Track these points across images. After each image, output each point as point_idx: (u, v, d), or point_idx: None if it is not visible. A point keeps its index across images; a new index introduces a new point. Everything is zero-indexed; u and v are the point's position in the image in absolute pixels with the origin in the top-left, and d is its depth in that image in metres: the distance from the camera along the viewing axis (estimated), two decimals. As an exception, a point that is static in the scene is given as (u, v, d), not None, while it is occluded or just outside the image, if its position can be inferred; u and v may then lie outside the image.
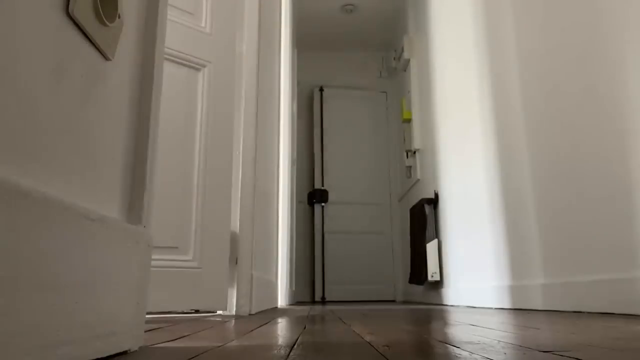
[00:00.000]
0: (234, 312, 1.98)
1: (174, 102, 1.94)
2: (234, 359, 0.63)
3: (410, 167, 5.06)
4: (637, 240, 1.63)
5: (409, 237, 5.08)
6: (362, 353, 0.68)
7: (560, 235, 2.11)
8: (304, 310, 2.56)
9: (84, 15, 0.60)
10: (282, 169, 3.66)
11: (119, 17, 0.69)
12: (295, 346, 0.78)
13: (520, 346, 0.75)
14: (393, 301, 5.31)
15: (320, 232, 5.50)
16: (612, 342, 0.79)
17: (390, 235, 5.68)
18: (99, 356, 0.62)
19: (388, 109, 6.08)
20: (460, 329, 1.10)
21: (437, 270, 3.91)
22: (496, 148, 2.81)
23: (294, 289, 4.71)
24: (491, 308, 2.69)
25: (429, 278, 3.94)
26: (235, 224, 2.09)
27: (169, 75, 1.93)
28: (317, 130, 5.82)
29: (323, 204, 5.59)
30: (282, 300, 3.55)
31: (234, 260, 2.04)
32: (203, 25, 2.11)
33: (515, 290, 2.49)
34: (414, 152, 4.84)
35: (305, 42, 6.01)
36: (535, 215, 2.33)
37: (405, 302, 4.61)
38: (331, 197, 5.62)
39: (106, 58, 0.68)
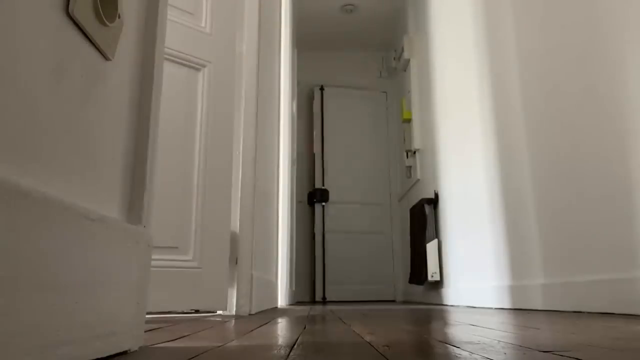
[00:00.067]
0: (234, 312, 1.98)
1: (174, 102, 1.94)
2: (234, 359, 0.63)
3: (410, 167, 5.06)
4: (637, 240, 1.63)
5: (409, 237, 5.08)
6: (362, 353, 0.68)
7: (560, 235, 2.11)
8: (304, 310, 2.56)
9: (84, 15, 0.60)
10: (282, 169, 3.66)
11: (119, 17, 0.69)
12: (295, 346, 0.78)
13: (520, 346, 0.75)
14: (393, 301, 5.31)
15: (320, 231, 5.49)
16: (612, 342, 0.79)
17: (390, 235, 5.68)
18: (99, 356, 0.62)
19: (388, 109, 6.08)
20: (460, 329, 1.10)
21: (437, 270, 3.91)
22: (496, 148, 2.81)
23: (294, 289, 4.71)
24: (491, 308, 2.69)
25: (429, 278, 3.94)
26: (235, 224, 2.09)
27: (169, 75, 1.93)
28: (317, 129, 5.82)
29: (324, 203, 5.58)
30: (282, 300, 3.55)
31: (234, 260, 2.04)
32: (203, 25, 2.11)
33: (515, 290, 2.49)
34: (414, 152, 4.84)
35: (305, 42, 6.01)
36: (535, 215, 2.33)
37: (405, 302, 4.61)
38: (331, 196, 5.62)
39: (106, 58, 0.68)
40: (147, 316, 1.69)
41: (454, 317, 1.70)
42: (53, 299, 0.51)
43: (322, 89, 5.92)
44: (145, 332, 1.02)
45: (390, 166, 5.90)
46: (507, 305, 2.57)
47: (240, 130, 2.17)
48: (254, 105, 2.21)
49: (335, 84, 6.06)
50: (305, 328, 1.17)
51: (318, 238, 5.48)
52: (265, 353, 0.69)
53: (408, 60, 5.01)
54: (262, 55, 2.42)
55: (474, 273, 3.15)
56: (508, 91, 2.64)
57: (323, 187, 5.62)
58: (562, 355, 0.63)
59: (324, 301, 5.26)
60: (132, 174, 0.78)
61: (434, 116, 4.18)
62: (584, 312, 1.85)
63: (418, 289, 4.75)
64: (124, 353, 0.70)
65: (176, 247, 1.85)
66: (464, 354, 0.66)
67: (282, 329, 1.17)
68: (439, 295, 3.93)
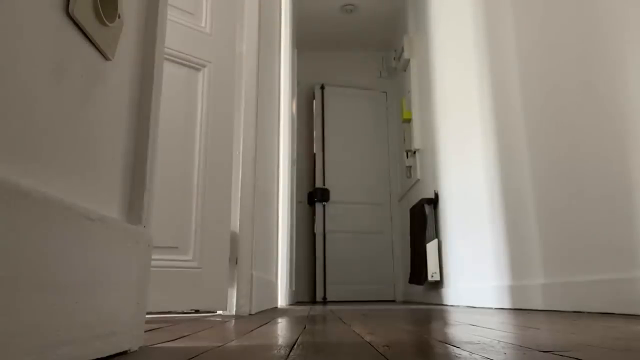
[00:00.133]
0: (234, 312, 1.98)
1: (174, 102, 1.94)
2: (234, 359, 0.63)
3: (410, 167, 5.06)
4: (637, 240, 1.63)
5: (409, 237, 5.08)
6: (362, 353, 0.68)
7: (560, 235, 2.11)
8: (304, 310, 2.56)
9: (84, 15, 0.60)
10: (282, 169, 3.66)
11: (119, 17, 0.69)
12: (295, 346, 0.78)
13: (520, 346, 0.75)
14: (393, 301, 5.31)
15: (321, 231, 5.48)
16: (612, 342, 0.79)
17: (390, 235, 5.68)
18: (99, 356, 0.62)
19: (388, 109, 6.08)
20: (460, 329, 1.10)
21: (437, 270, 3.91)
22: (496, 148, 2.81)
23: (294, 289, 4.71)
24: (491, 308, 2.69)
25: (429, 278, 3.94)
26: (235, 224, 2.09)
27: (169, 75, 1.93)
28: (318, 128, 5.80)
29: (324, 203, 5.56)
30: (282, 300, 3.55)
31: (234, 260, 2.04)
32: (203, 25, 2.11)
33: (515, 290, 2.49)
34: (414, 152, 4.84)
35: (305, 42, 6.01)
36: (535, 215, 2.33)
37: (405, 302, 4.61)
38: (332, 196, 5.61)
39: (106, 58, 0.68)
40: (147, 316, 1.69)
41: (454, 317, 1.70)
42: (53, 299, 0.51)
43: (322, 87, 5.92)
44: (145, 332, 1.02)
45: (390, 166, 5.90)
46: (507, 305, 2.57)
47: (240, 130, 2.17)
48: (254, 105, 2.21)
49: (335, 83, 6.06)
50: (305, 328, 1.17)
51: (319, 238, 5.47)
52: (265, 353, 0.69)
53: (408, 60, 5.01)
54: (262, 55, 2.42)
55: (474, 273, 3.15)
56: (508, 91, 2.64)
57: (324, 187, 5.61)
58: (562, 355, 0.63)
59: (324, 301, 5.25)
60: (132, 174, 0.78)
61: (434, 116, 4.18)
62: (584, 312, 1.85)
63: (418, 289, 4.75)
64: (124, 353, 0.70)
65: (176, 247, 1.85)
66: (464, 354, 0.66)
67: (282, 329, 1.17)
68: (439, 295, 3.93)
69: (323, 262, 5.41)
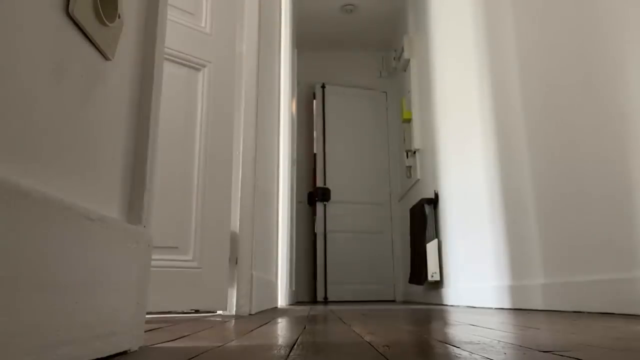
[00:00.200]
0: (234, 312, 1.98)
1: (174, 102, 1.94)
2: (234, 359, 0.63)
3: (410, 167, 5.06)
4: (637, 240, 1.63)
5: (409, 237, 5.08)
6: (362, 353, 0.68)
7: (560, 235, 2.11)
8: (304, 310, 2.56)
9: (84, 15, 0.60)
10: (282, 169, 3.66)
11: (119, 17, 0.69)
12: (295, 346, 0.78)
13: (520, 346, 0.75)
14: (393, 301, 5.31)
15: (322, 231, 5.45)
16: (612, 342, 0.79)
17: (390, 235, 5.68)
18: (99, 356, 0.62)
19: (388, 109, 6.08)
20: (460, 329, 1.10)
21: (437, 270, 3.91)
22: (496, 148, 2.81)
23: (294, 289, 4.71)
24: (491, 308, 2.69)
25: (429, 278, 3.94)
26: (235, 224, 2.09)
27: (169, 75, 1.93)
28: (318, 127, 5.79)
29: (325, 202, 5.54)
30: (282, 300, 3.55)
31: (234, 260, 2.04)
32: (203, 25, 2.11)
33: (515, 290, 2.49)
34: (414, 152, 4.84)
35: (306, 41, 6.01)
36: (535, 215, 2.33)
37: (405, 302, 4.61)
38: (332, 196, 5.60)
39: (106, 58, 0.68)
40: (147, 316, 1.69)
41: (454, 317, 1.70)
42: (53, 299, 0.51)
43: (323, 86, 5.90)
44: (145, 332, 1.02)
45: (390, 166, 5.90)
46: (507, 305, 2.57)
47: (240, 130, 2.17)
48: (254, 105, 2.21)
49: (336, 83, 6.06)
50: (305, 328, 1.17)
51: (319, 237, 5.44)
52: (265, 353, 0.69)
53: (408, 60, 5.01)
54: (262, 55, 2.42)
55: (474, 273, 3.15)
56: (508, 91, 2.64)
57: (325, 186, 5.59)
58: (562, 355, 0.63)
59: (325, 301, 5.24)
60: (132, 174, 0.78)
61: (434, 116, 4.18)
62: (584, 312, 1.85)
63: (418, 289, 4.75)
64: (124, 353, 0.70)
65: (176, 247, 1.85)
66: (464, 354, 0.66)
67: (282, 329, 1.17)
68: (439, 295, 3.93)
69: (324, 261, 5.39)
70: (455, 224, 3.59)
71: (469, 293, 3.18)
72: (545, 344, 0.78)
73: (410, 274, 4.47)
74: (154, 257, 1.77)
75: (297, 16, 5.47)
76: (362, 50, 6.23)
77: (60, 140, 0.56)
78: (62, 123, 0.57)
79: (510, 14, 2.62)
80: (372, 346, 0.76)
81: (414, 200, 4.89)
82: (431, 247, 3.97)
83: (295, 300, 5.08)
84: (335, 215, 5.56)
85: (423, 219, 4.15)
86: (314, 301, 5.35)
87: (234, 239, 2.06)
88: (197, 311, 1.91)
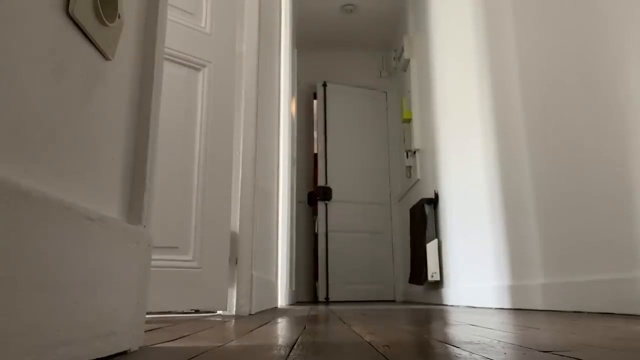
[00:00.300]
0: (234, 312, 1.98)
1: (174, 102, 1.94)
2: (234, 359, 0.63)
3: (410, 167, 5.06)
4: (637, 240, 1.63)
5: (409, 237, 5.08)
6: (362, 353, 0.68)
7: (560, 235, 2.11)
8: (304, 310, 2.56)
9: (84, 15, 0.60)
10: (282, 168, 3.66)
11: (119, 17, 0.69)
12: (295, 346, 0.78)
13: (520, 346, 0.75)
14: (393, 301, 5.30)
15: (324, 230, 5.42)
16: (612, 342, 0.79)
17: (390, 235, 5.68)
18: (99, 356, 0.62)
19: (388, 109, 6.08)
20: (460, 329, 1.10)
21: (437, 270, 3.91)
22: (496, 148, 2.81)
23: (293, 289, 4.71)
24: (491, 308, 2.69)
25: (429, 278, 3.94)
26: (235, 224, 2.09)
27: (169, 75, 1.93)
28: (320, 126, 5.77)
29: (327, 201, 5.51)
30: (282, 300, 3.55)
31: (234, 260, 2.04)
32: (203, 25, 2.11)
33: (515, 290, 2.49)
34: (414, 152, 4.84)
35: (306, 41, 6.01)
36: (535, 215, 2.33)
37: (405, 302, 4.61)
38: (333, 195, 5.59)
39: (106, 58, 0.68)
40: (147, 316, 1.69)
41: (454, 317, 1.70)
42: (53, 299, 0.51)
43: (324, 84, 5.89)
44: (145, 332, 1.02)
45: (390, 166, 5.90)
46: (507, 305, 2.57)
47: (240, 130, 2.17)
48: (254, 105, 2.21)
49: (336, 82, 6.05)
50: (305, 328, 1.17)
51: (321, 237, 5.41)
52: (265, 353, 0.69)
53: (408, 60, 5.01)
54: (262, 55, 2.42)
55: (474, 273, 3.15)
56: (508, 91, 2.64)
57: (326, 185, 5.57)
58: (562, 355, 0.63)
59: (327, 301, 5.23)
60: (132, 174, 0.78)
61: (434, 116, 4.18)
62: (584, 312, 1.85)
63: (418, 289, 4.75)
64: (124, 353, 0.70)
65: (176, 247, 1.85)
66: (464, 354, 0.66)
67: (282, 329, 1.17)
68: (439, 295, 3.93)
69: (325, 261, 5.36)
70: (455, 224, 3.59)
71: (469, 293, 3.18)
72: (545, 344, 0.78)
73: (410, 274, 4.47)
74: (154, 257, 1.77)
75: (297, 16, 5.47)
76: (362, 50, 6.23)
77: (60, 140, 0.56)
78: (62, 123, 0.57)
79: (510, 14, 2.62)
80: (372, 346, 0.76)
81: (414, 200, 4.89)
82: (431, 247, 3.97)
83: (295, 300, 5.07)
84: (336, 214, 5.55)
85: (423, 219, 4.15)
86: (314, 301, 5.35)
87: (234, 239, 2.06)
88: (197, 311, 1.91)
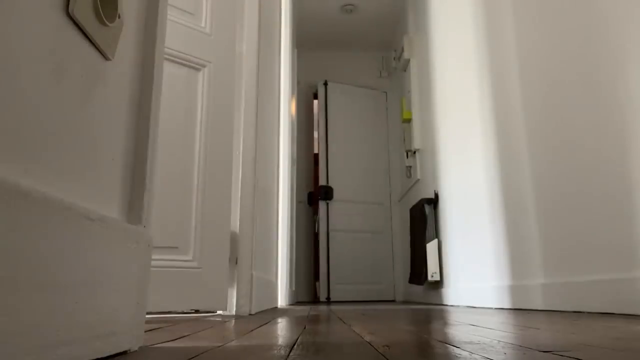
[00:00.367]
0: (234, 312, 1.98)
1: (174, 102, 1.94)
2: (234, 359, 0.63)
3: (410, 167, 5.06)
4: (637, 240, 1.63)
5: (409, 237, 5.08)
6: (362, 353, 0.68)
7: (560, 235, 2.11)
8: (304, 310, 2.56)
9: (84, 15, 0.60)
10: (282, 168, 3.66)
11: (119, 17, 0.69)
12: (295, 346, 0.78)
13: (520, 346, 0.75)
14: (393, 301, 5.30)
15: (325, 230, 5.40)
16: (612, 342, 0.79)
17: (390, 235, 5.68)
18: (99, 356, 0.62)
19: (388, 109, 6.08)
20: (460, 329, 1.10)
21: (437, 270, 3.91)
22: (496, 148, 2.81)
23: (293, 289, 4.71)
24: (491, 308, 2.69)
25: (429, 278, 3.94)
26: (235, 224, 2.09)
27: (169, 75, 1.93)
28: (321, 124, 5.75)
29: (328, 201, 5.49)
30: (282, 300, 3.55)
31: (234, 260, 2.04)
32: (203, 25, 2.11)
33: (515, 290, 2.49)
34: (414, 152, 4.84)
35: (306, 41, 6.01)
36: (535, 215, 2.33)
37: (405, 302, 4.61)
38: (334, 194, 5.57)
39: (106, 58, 0.68)
40: (147, 316, 1.69)
41: (454, 317, 1.70)
42: (53, 299, 0.51)
43: (325, 83, 5.87)
44: (145, 332, 1.02)
45: (391, 166, 5.89)
46: (507, 305, 2.57)
47: (240, 130, 2.17)
48: (254, 105, 2.21)
49: (337, 81, 6.05)
50: (305, 328, 1.17)
51: (322, 237, 5.39)
52: (265, 353, 0.69)
53: (408, 60, 5.01)
54: (262, 55, 2.42)
55: (474, 273, 3.15)
56: (508, 91, 2.64)
57: (327, 185, 5.55)
58: (562, 355, 0.63)
59: (328, 301, 5.22)
60: (132, 174, 0.78)
61: (434, 116, 4.18)
62: (584, 312, 1.85)
63: (418, 289, 4.75)
64: (124, 353, 0.70)
65: (176, 247, 1.85)
66: (464, 354, 0.66)
67: (282, 329, 1.17)
68: (439, 295, 3.93)
69: (327, 261, 5.34)
70: (455, 224, 3.59)
71: (469, 293, 3.18)
72: (545, 344, 0.78)
73: (411, 274, 4.47)
74: (154, 257, 1.77)
75: (297, 16, 5.47)
76: (362, 50, 6.23)
77: (60, 140, 0.56)
78: (62, 123, 0.57)
79: (510, 14, 2.62)
80: (372, 346, 0.77)
81: (414, 200, 4.89)
82: (431, 247, 3.97)
83: (295, 300, 5.07)
84: (337, 214, 5.54)
85: (423, 219, 4.15)
86: (314, 301, 5.34)
87: (234, 239, 2.06)
88: (197, 311, 1.91)
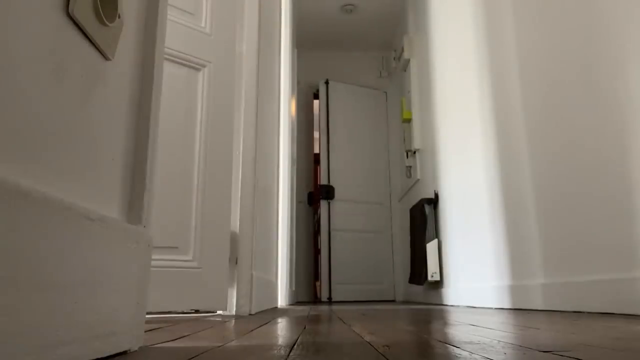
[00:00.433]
0: (234, 312, 1.98)
1: (174, 102, 1.94)
2: (234, 359, 0.63)
3: (410, 167, 5.06)
4: (637, 240, 1.63)
5: (409, 237, 5.07)
6: (362, 353, 0.68)
7: (560, 235, 2.11)
8: (304, 310, 2.56)
9: (84, 15, 0.60)
10: (282, 168, 3.66)
11: (119, 17, 0.69)
12: (295, 346, 0.78)
13: (520, 346, 0.75)
14: (393, 301, 5.30)
15: (326, 229, 5.38)
16: (612, 342, 0.79)
17: (390, 235, 5.67)
18: (99, 356, 0.62)
19: (388, 109, 6.08)
20: (460, 329, 1.10)
21: (437, 270, 3.91)
22: (496, 148, 2.81)
23: (293, 289, 4.71)
24: (491, 308, 2.69)
25: (429, 278, 3.94)
26: (235, 224, 2.09)
27: (169, 75, 1.93)
28: (322, 124, 5.73)
29: (329, 200, 5.48)
30: (282, 300, 3.55)
31: (234, 260, 2.04)
32: (203, 25, 2.11)
33: (515, 290, 2.49)
34: (414, 152, 4.84)
35: (306, 41, 6.01)
36: (535, 215, 2.33)
37: (405, 302, 4.61)
38: (335, 194, 5.56)
39: (106, 58, 0.68)
40: (147, 316, 1.69)
41: (454, 317, 1.70)
42: (53, 299, 0.51)
43: (327, 82, 5.86)
44: (145, 332, 1.02)
45: (391, 166, 5.89)
46: (507, 305, 2.57)
47: (240, 130, 2.17)
48: (254, 105, 2.21)
49: (338, 80, 6.04)
50: (305, 328, 1.17)
51: (324, 236, 5.36)
52: (265, 353, 0.69)
53: (408, 60, 5.01)
54: (262, 55, 2.42)
55: (474, 273, 3.15)
56: (508, 91, 2.64)
57: (329, 184, 5.54)
58: (562, 355, 0.63)
59: (329, 301, 5.21)
60: (132, 174, 0.78)
61: (434, 116, 4.18)
62: (584, 312, 1.85)
63: (418, 289, 4.75)
64: (124, 353, 0.70)
65: (176, 247, 1.85)
66: (464, 354, 0.66)
67: (282, 329, 1.17)
68: (439, 295, 3.93)
69: (328, 261, 5.32)
70: (455, 224, 3.59)
71: (469, 293, 3.18)
72: (545, 344, 0.78)
73: (410, 274, 4.47)
74: (154, 257, 1.77)
75: (297, 16, 5.47)
76: (362, 50, 6.23)
77: (60, 140, 0.56)
78: (62, 123, 0.57)
79: (510, 14, 2.62)
80: (372, 346, 0.76)
81: (414, 200, 4.89)
82: (431, 247, 3.97)
83: (295, 300, 5.07)
84: (338, 213, 5.53)
85: (423, 219, 4.15)
86: (314, 301, 5.34)
87: (234, 239, 2.06)
88: (197, 311, 1.91)
